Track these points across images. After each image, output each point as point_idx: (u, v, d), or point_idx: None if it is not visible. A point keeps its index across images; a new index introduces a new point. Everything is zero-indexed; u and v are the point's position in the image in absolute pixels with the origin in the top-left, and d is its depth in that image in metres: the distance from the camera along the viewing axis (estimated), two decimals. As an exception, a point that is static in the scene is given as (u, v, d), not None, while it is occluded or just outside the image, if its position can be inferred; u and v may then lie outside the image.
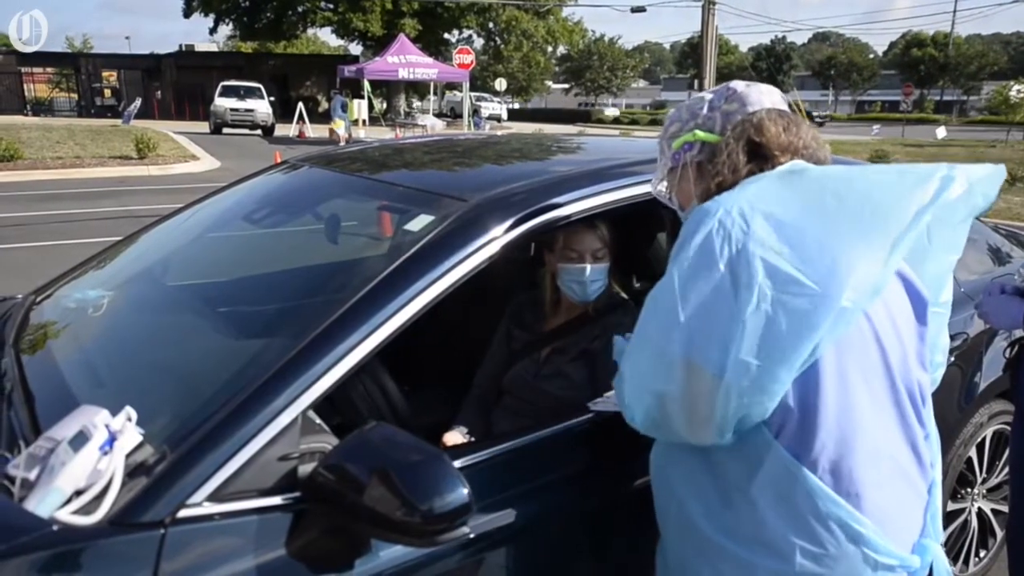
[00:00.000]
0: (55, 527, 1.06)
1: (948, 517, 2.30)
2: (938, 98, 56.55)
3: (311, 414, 1.26)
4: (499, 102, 37.54)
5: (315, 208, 2.05)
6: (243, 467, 1.15)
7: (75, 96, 37.05)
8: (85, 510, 1.10)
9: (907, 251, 1.10)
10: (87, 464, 1.13)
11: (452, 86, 27.88)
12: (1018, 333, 1.74)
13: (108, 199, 10.70)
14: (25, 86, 35.60)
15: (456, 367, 2.10)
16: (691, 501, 1.22)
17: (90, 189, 11.79)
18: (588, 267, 1.80)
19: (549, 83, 53.90)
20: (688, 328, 1.08)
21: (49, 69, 38.00)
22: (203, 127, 24.84)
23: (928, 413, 1.25)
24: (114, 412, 1.19)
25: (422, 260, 1.39)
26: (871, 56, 62.66)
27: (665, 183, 1.37)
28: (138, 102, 25.21)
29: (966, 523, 2.38)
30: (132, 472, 1.15)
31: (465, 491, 1.08)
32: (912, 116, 38.47)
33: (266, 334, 1.52)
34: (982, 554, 2.43)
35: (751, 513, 1.14)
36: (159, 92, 34.91)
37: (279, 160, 2.51)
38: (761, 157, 1.22)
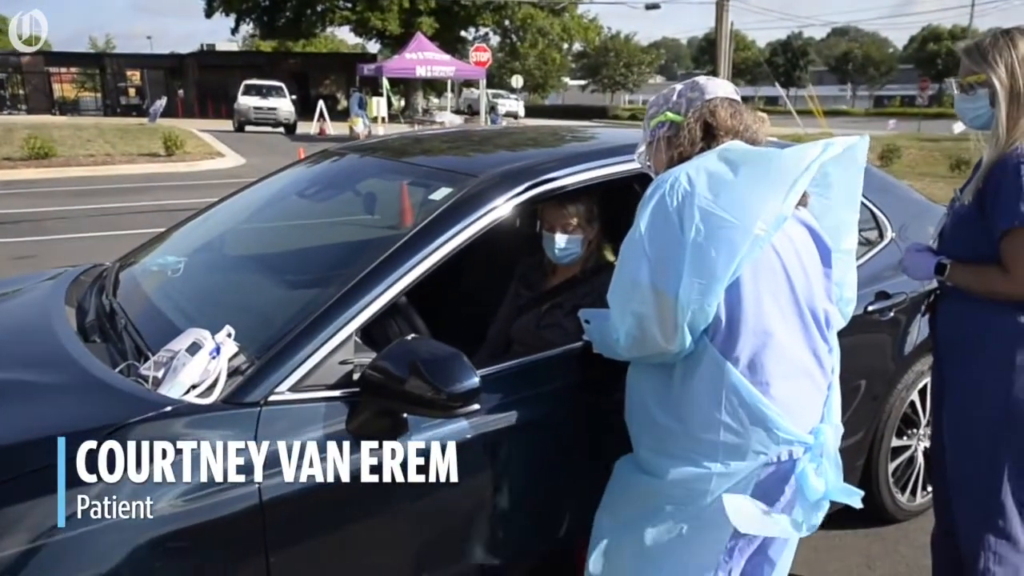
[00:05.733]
0: (182, 405, 1.48)
1: (895, 452, 2.67)
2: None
3: (359, 340, 1.67)
4: (516, 99, 37.91)
5: (355, 186, 2.48)
6: (314, 368, 1.57)
7: (100, 95, 37.91)
8: (203, 395, 1.53)
9: (802, 191, 1.49)
10: (201, 365, 1.56)
11: (469, 83, 28.33)
12: (933, 285, 2.10)
13: (141, 194, 11.24)
14: (53, 86, 36.46)
15: (474, 322, 2.51)
16: (650, 397, 1.63)
17: (123, 185, 12.34)
18: (557, 236, 2.16)
19: (566, 80, 54.14)
20: (652, 260, 1.48)
21: (74, 69, 38.85)
22: (226, 125, 25.44)
23: (832, 333, 1.64)
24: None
25: (442, 221, 1.80)
26: (890, 51, 62.23)
27: (644, 154, 1.76)
28: (164, 100, 25.72)
29: (912, 459, 2.74)
30: (233, 372, 1.57)
31: (476, 379, 1.49)
32: (930, 111, 38.20)
33: (326, 276, 1.93)
34: (929, 488, 2.78)
35: (691, 399, 1.54)
36: (181, 91, 35.65)
37: (302, 155, 2.93)
38: (711, 135, 1.61)
